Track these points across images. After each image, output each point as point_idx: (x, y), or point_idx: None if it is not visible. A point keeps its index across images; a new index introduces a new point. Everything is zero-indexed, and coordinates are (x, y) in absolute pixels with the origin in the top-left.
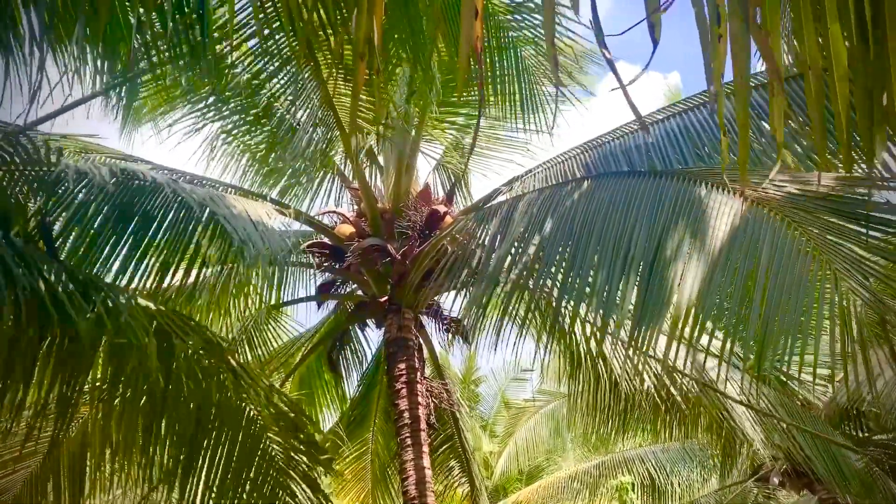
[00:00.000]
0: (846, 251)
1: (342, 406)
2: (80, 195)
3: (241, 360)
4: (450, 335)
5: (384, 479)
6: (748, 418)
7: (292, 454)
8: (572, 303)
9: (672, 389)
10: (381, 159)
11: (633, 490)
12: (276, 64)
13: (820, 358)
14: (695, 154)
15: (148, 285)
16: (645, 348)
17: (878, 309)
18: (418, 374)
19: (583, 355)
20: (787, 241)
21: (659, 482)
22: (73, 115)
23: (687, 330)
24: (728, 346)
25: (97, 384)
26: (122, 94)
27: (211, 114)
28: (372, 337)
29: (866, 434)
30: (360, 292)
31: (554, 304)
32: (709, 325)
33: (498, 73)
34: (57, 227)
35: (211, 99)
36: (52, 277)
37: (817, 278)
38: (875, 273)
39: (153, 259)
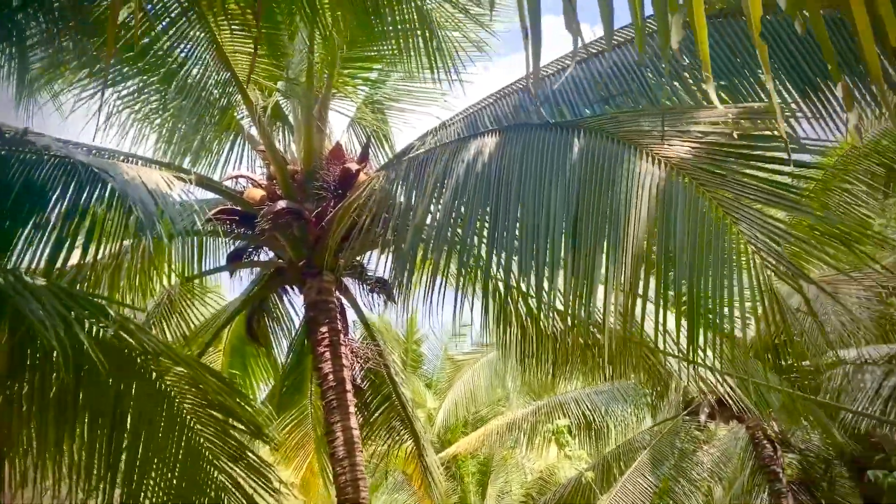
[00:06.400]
0: (756, 216)
1: (276, 375)
2: None
3: (162, 338)
4: (374, 296)
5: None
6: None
7: (219, 429)
8: (495, 259)
9: (598, 336)
10: (291, 119)
11: (569, 432)
12: (168, 23)
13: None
14: (601, 98)
15: (41, 265)
16: (576, 304)
17: (792, 281)
18: (341, 335)
19: (509, 308)
20: (700, 208)
21: (595, 423)
22: None
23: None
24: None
25: None
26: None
27: (108, 80)
28: (298, 304)
29: (790, 363)
30: (279, 259)
31: (477, 263)
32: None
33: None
34: None
35: (103, 65)
36: None
37: (733, 243)
38: (786, 238)
39: (48, 236)
